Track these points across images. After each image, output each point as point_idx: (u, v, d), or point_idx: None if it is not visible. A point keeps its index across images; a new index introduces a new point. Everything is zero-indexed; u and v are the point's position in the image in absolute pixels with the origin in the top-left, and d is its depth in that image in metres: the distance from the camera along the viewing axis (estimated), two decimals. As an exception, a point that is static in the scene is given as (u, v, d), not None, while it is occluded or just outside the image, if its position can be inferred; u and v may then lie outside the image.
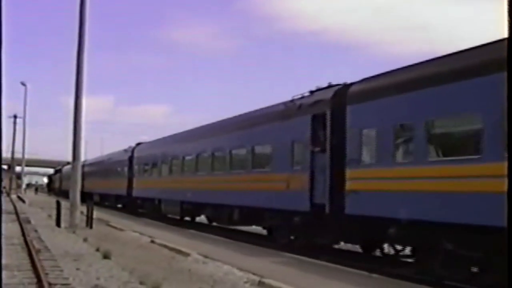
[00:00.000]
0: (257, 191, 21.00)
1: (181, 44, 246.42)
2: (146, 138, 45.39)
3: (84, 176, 58.09)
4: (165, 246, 18.76)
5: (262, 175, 20.79)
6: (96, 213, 28.12)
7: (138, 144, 42.87)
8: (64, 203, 28.70)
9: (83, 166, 60.03)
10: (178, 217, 31.62)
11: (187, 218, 31.29)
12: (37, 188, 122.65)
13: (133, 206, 40.37)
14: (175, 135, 34.83)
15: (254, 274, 12.98)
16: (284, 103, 19.84)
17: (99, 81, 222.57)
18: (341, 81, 17.66)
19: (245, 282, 12.30)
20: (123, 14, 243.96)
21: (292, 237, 19.03)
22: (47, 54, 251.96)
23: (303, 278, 13.14)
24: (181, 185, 29.61)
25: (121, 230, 25.66)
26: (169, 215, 32.53)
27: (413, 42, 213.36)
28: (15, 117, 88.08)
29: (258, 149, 21.72)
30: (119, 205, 46.56)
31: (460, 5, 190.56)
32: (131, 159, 41.80)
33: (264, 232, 23.15)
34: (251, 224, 23.79)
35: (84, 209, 28.00)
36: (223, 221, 25.02)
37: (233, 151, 23.90)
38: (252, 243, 20.52)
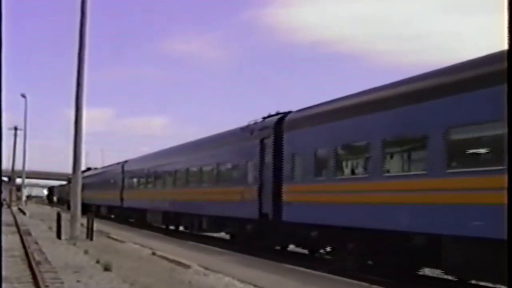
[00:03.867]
0: (220, 202, 24.69)
1: (181, 56, 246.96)
2: (146, 149, 47.03)
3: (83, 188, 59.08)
4: (166, 258, 18.72)
5: (224, 189, 24.50)
6: (96, 225, 28.09)
7: (126, 161, 47.48)
8: (64, 215, 28.67)
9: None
10: (162, 226, 35.09)
11: (172, 227, 34.34)
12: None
13: (124, 216, 44.54)
14: (158, 152, 39.68)
15: (255, 286, 12.97)
16: (241, 128, 23.55)
17: (99, 93, 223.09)
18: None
19: (246, 294, 12.28)
20: (123, 26, 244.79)
21: (248, 240, 22.63)
22: (47, 66, 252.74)
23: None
24: (163, 197, 33.71)
25: (121, 242, 25.62)
26: (154, 224, 36.27)
27: (410, 52, 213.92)
28: (15, 129, 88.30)
29: (222, 167, 25.62)
30: (112, 216, 50.38)
31: (457, 16, 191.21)
32: (123, 172, 46.04)
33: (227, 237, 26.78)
34: (217, 231, 27.45)
35: (84, 221, 27.97)
36: (195, 228, 28.59)
37: (203, 168, 27.98)
38: (253, 255, 20.49)
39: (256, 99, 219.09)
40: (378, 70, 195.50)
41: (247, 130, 22.62)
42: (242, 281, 13.66)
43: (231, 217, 23.46)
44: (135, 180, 42.97)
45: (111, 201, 49.24)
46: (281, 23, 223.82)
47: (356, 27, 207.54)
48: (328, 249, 18.27)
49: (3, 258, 16.94)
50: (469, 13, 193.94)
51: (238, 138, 23.61)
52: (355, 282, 14.30)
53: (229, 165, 24.80)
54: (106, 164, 65.13)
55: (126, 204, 44.02)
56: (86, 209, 43.88)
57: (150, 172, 38.10)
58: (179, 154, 32.28)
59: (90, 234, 26.31)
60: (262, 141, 21.08)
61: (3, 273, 13.81)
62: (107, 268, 15.10)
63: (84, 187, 59.23)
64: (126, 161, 47.49)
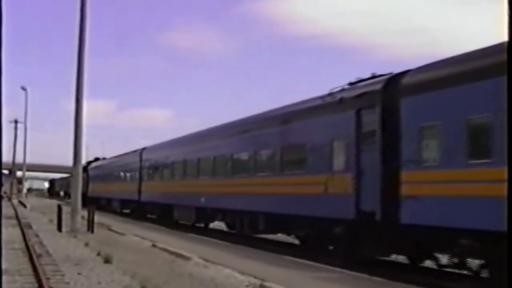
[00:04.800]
0: (287, 196, 19.18)
1: (182, 48, 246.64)
2: (146, 142, 45.44)
3: (89, 180, 58.01)
4: (166, 250, 18.77)
5: (293, 178, 18.95)
6: (97, 218, 28.11)
7: (144, 149, 41.51)
8: (65, 208, 28.70)
9: (88, 169, 59.50)
10: (200, 224, 29.68)
11: (200, 225, 29.71)
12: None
13: (143, 211, 39.04)
14: (188, 135, 32.94)
15: (255, 277, 12.98)
16: (321, 97, 18.06)
17: (100, 85, 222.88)
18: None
19: (247, 286, 12.31)
20: (124, 18, 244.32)
21: (330, 248, 17.33)
22: (47, 59, 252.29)
23: (304, 281, 13.15)
24: (197, 190, 27.79)
25: (122, 234, 25.66)
26: (183, 222, 30.96)
27: (412, 45, 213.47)
28: (16, 122, 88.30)
29: (289, 150, 19.69)
30: (126, 211, 45.19)
31: (460, 7, 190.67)
32: (141, 161, 40.28)
33: (294, 241, 21.13)
34: (278, 233, 22.11)
35: (85, 213, 28.02)
36: (245, 228, 23.04)
37: (259, 152, 22.00)
38: (253, 247, 20.53)
39: (257, 91, 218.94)
40: (378, 63, 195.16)
41: (332, 100, 17.20)
42: (242, 273, 13.68)
43: (305, 216, 18.04)
44: (157, 170, 36.45)
45: (125, 194, 43.52)
46: (280, 16, 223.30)
47: (356, 20, 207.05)
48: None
49: (4, 251, 17.00)
50: (473, 4, 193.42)
51: (316, 112, 18.03)
52: (353, 273, 14.32)
53: (300, 147, 18.63)
54: (107, 156, 63.24)
55: (145, 198, 38.29)
56: (94, 203, 43.25)
57: (178, 160, 31.80)
58: (220, 137, 26.49)
59: (91, 226, 26.35)
60: (358, 112, 15.60)
61: (4, 265, 13.84)
62: (107, 261, 15.14)
63: (90, 179, 58.21)
64: (144, 148, 41.31)
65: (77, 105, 27.09)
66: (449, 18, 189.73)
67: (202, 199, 26.85)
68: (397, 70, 15.45)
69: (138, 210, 40.18)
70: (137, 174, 40.49)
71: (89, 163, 61.85)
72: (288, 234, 21.20)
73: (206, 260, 16.06)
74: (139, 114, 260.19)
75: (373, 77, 16.28)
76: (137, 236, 24.31)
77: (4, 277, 12.32)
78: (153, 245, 20.50)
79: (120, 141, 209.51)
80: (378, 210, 14.44)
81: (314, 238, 18.34)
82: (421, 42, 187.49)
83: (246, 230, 22.91)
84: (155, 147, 39.10)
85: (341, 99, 16.74)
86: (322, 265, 15.70)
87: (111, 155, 58.97)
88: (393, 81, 14.97)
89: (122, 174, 46.55)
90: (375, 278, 13.62)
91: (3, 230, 24.77)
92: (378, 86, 15.42)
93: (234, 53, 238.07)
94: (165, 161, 34.54)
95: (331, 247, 17.32)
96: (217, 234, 25.77)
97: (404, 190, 13.63)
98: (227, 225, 26.48)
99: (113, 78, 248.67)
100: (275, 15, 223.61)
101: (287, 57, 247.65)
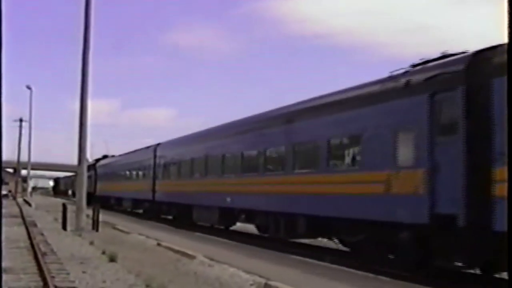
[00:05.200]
0: (335, 196, 16.84)
1: (186, 48, 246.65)
2: (150, 141, 44.63)
3: (97, 178, 57.06)
4: (171, 249, 18.76)
5: (344, 175, 16.67)
6: (102, 216, 28.14)
7: (158, 144, 38.50)
8: (70, 207, 28.74)
9: (96, 167, 58.15)
10: (220, 226, 27.21)
11: (221, 227, 27.27)
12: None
13: (157, 211, 36.48)
14: (209, 130, 29.88)
15: (260, 276, 12.95)
16: (380, 82, 15.80)
17: (105, 84, 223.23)
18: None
19: (251, 285, 12.28)
20: (128, 18, 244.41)
21: (391, 257, 15.23)
22: (52, 58, 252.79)
23: (309, 280, 13.12)
24: (220, 188, 25.31)
25: (127, 233, 25.66)
26: (204, 223, 28.66)
27: (413, 44, 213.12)
28: (21, 120, 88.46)
29: (338, 140, 17.40)
30: (138, 211, 42.68)
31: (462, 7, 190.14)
32: (155, 158, 37.40)
33: (334, 245, 19.07)
34: (319, 237, 20.16)
35: (90, 212, 28.05)
36: (281, 232, 20.41)
37: (298, 146, 19.39)
38: (258, 246, 20.50)
39: (260, 91, 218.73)
40: (382, 62, 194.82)
41: (395, 84, 14.87)
42: (247, 272, 13.65)
43: (359, 219, 15.64)
44: (174, 167, 33.44)
45: (137, 193, 40.93)
46: (285, 15, 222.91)
47: (359, 19, 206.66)
48: None
49: (9, 250, 17.02)
50: (474, 2, 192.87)
51: (374, 98, 15.63)
52: (359, 272, 14.29)
53: (353, 139, 16.30)
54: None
55: (160, 197, 35.60)
56: (103, 203, 42.33)
57: (198, 156, 29.02)
58: (246, 132, 23.98)
59: (95, 225, 26.36)
60: (432, 96, 13.20)
61: (9, 264, 13.86)
62: (112, 259, 15.14)
63: (98, 177, 57.08)
64: (158, 144, 38.28)
65: (81, 104, 27.12)
66: (451, 16, 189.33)
67: (228, 199, 24.32)
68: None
69: (152, 210, 37.62)
70: (151, 172, 37.60)
71: (97, 160, 60.48)
72: (331, 239, 18.87)
73: (211, 259, 16.04)
74: (142, 113, 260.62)
75: (444, 56, 14.03)
76: (142, 235, 24.31)
77: (9, 276, 12.34)
78: (158, 244, 20.49)
79: (125, 139, 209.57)
80: (462, 213, 12.07)
81: (369, 245, 15.92)
82: (422, 41, 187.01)
83: (282, 233, 20.30)
84: (171, 143, 35.98)
85: (408, 83, 14.39)
86: (328, 264, 15.67)
87: (115, 153, 58.15)
88: (480, 58, 12.62)
89: (134, 172, 43.98)
90: (382, 279, 13.58)
91: (9, 228, 24.84)
92: (460, 65, 13.00)
93: (237, 52, 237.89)
94: (183, 157, 31.57)
95: (391, 256, 15.15)
96: (221, 233, 25.67)
97: (499, 189, 11.11)
98: (258, 228, 23.77)
99: (116, 77, 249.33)
100: (279, 15, 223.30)
101: (290, 57, 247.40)
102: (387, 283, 13.02)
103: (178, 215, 32.60)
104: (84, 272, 13.26)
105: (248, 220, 24.28)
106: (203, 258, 16.35)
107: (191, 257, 16.66)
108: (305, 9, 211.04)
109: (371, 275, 13.87)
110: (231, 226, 26.85)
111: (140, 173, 41.69)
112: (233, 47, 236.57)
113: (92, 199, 51.26)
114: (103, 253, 16.62)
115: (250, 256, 17.57)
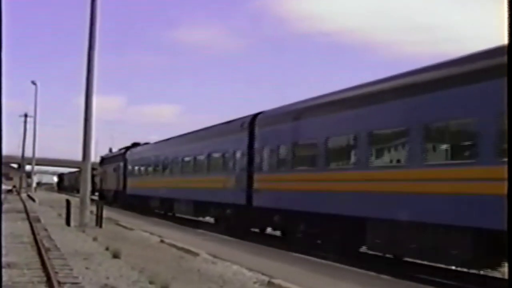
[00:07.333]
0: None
1: (193, 44, 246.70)
2: (155, 138, 41.93)
3: (126, 173, 44.91)
4: (174, 246, 18.76)
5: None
6: (105, 212, 28.16)
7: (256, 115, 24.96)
8: (74, 202, 28.77)
9: (126, 157, 45.54)
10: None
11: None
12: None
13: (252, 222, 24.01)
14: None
15: (263, 274, 12.96)
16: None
17: (111, 80, 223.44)
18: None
19: (255, 282, 12.27)
20: (135, 14, 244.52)
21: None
22: (58, 54, 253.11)
23: (312, 278, 13.11)
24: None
25: (130, 229, 25.67)
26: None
27: (414, 43, 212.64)
28: (25, 116, 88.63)
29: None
30: (207, 219, 29.80)
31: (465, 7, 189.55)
32: (251, 139, 24.33)
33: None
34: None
35: (94, 208, 28.06)
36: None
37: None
38: (262, 243, 20.50)
39: (264, 88, 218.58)
40: (388, 61, 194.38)
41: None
42: (250, 269, 13.66)
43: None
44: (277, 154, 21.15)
45: (207, 194, 27.39)
46: (289, 12, 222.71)
47: (365, 18, 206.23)
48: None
49: (12, 245, 17.06)
50: (474, 2, 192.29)
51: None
52: (362, 271, 14.28)
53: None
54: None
55: (260, 201, 22.03)
56: (137, 204, 39.73)
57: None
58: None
59: (99, 221, 26.39)
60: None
61: (13, 259, 13.89)
62: (116, 256, 15.15)
63: (129, 171, 44.28)
64: (257, 115, 23.45)
65: (86, 100, 27.13)
66: (451, 16, 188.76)
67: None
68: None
69: (245, 222, 24.08)
70: (244, 161, 23.60)
71: (127, 148, 48.26)
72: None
73: (215, 256, 16.05)
74: (148, 110, 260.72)
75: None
76: (145, 232, 24.32)
77: (13, 271, 12.38)
78: (161, 241, 20.49)
79: (130, 135, 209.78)
80: None
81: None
82: (422, 40, 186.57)
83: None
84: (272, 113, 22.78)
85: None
86: (330, 263, 15.66)
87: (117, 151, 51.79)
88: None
89: (199, 163, 29.62)
90: (382, 276, 13.59)
91: (13, 223, 24.90)
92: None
93: (243, 49, 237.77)
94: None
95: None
96: (225, 230, 25.64)
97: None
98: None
99: (122, 74, 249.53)
100: (285, 12, 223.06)
101: (298, 54, 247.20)
102: (388, 282, 13.01)
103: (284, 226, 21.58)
104: (87, 268, 13.28)
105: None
106: (206, 255, 16.36)
107: (195, 254, 16.67)
108: (311, 8, 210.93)
109: (373, 274, 13.86)
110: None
111: (217, 164, 26.94)
112: (241, 44, 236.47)
113: (120, 198, 45.83)
114: (107, 249, 16.64)
115: (254, 254, 17.57)
